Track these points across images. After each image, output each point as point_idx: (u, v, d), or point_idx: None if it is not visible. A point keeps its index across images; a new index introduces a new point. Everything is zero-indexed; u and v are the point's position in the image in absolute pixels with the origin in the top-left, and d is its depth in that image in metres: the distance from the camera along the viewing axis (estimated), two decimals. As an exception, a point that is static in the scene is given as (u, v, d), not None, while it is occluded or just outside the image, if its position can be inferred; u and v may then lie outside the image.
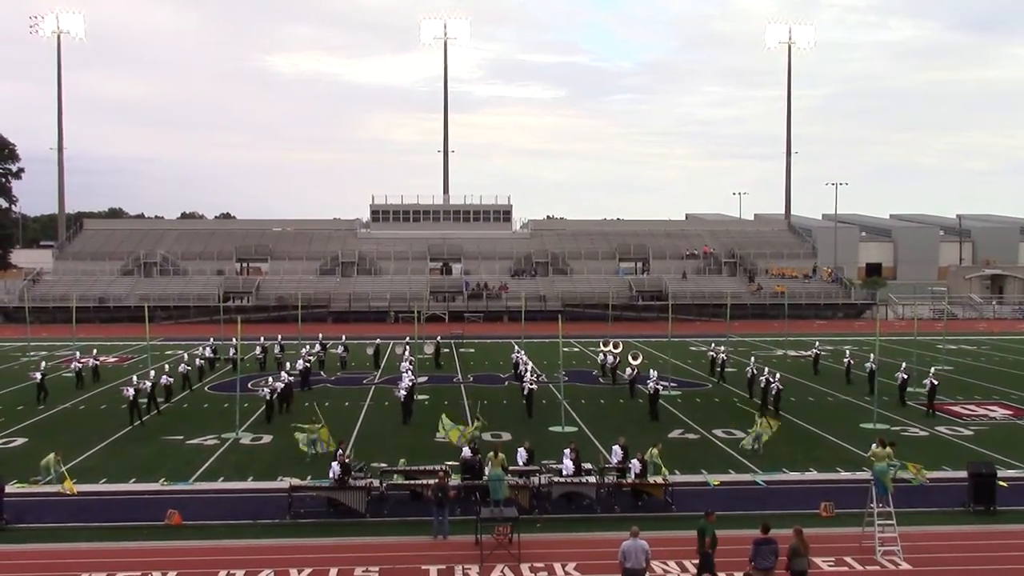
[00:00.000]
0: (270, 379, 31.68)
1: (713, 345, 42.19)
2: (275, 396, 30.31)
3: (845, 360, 39.14)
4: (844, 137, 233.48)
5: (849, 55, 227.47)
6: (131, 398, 29.00)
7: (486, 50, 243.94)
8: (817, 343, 44.33)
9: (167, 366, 36.88)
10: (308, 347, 41.57)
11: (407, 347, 42.18)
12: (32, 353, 49.41)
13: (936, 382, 31.08)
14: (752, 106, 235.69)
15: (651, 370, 32.63)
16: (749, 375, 34.52)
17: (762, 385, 31.64)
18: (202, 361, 39.52)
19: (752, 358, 36.49)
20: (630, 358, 36.80)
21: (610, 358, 39.58)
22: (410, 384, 30.98)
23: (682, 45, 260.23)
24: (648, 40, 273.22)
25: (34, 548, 17.39)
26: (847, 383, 37.56)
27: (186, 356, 38.81)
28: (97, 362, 39.05)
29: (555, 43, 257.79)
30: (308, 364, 38.14)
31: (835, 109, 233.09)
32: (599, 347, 42.21)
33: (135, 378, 30.47)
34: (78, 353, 39.03)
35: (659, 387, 30.58)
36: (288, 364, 35.68)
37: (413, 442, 26.35)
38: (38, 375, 33.98)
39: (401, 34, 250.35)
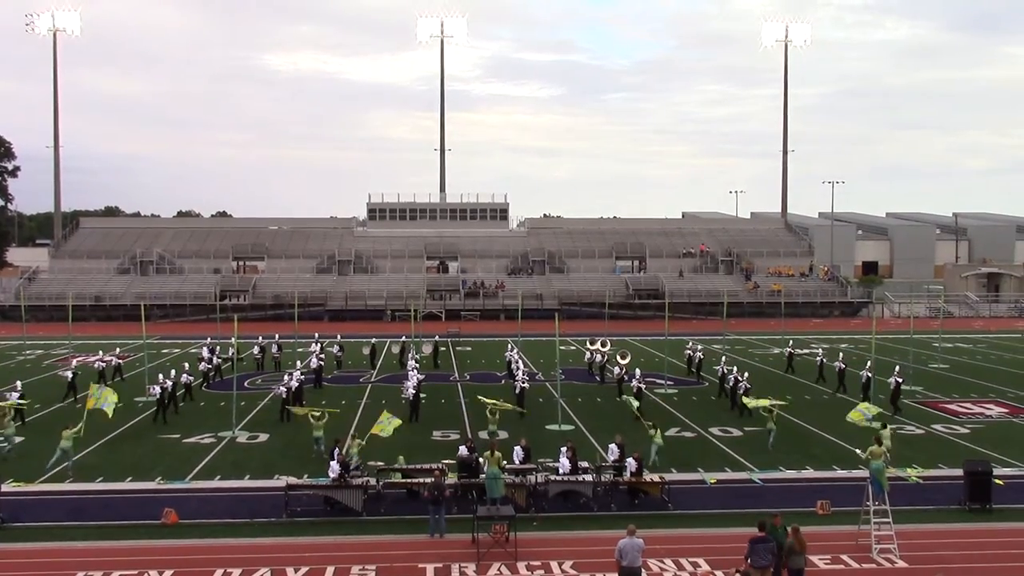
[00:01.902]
0: (285, 377, 31.67)
1: (690, 344, 42.35)
2: (290, 394, 30.37)
3: (817, 358, 39.18)
4: (841, 136, 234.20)
5: (846, 54, 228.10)
6: (158, 396, 29.23)
7: (483, 49, 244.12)
8: (791, 342, 44.16)
9: (187, 364, 36.93)
10: (319, 346, 41.48)
11: (411, 346, 42.11)
12: (28, 352, 49.38)
13: (900, 380, 30.92)
14: (749, 105, 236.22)
15: (635, 369, 32.67)
16: (720, 374, 34.70)
17: (730, 384, 31.83)
18: (219, 360, 39.51)
19: (723, 358, 36.60)
20: (618, 357, 36.87)
21: (598, 357, 39.65)
22: (418, 383, 31.02)
23: (679, 43, 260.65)
24: (645, 38, 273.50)
25: (30, 547, 17.36)
26: (816, 381, 37.64)
27: (205, 353, 38.79)
28: (121, 361, 38.92)
29: (552, 42, 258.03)
30: (322, 363, 38.35)
31: (832, 108, 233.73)
32: (586, 345, 42.21)
33: (161, 376, 30.71)
34: (101, 352, 38.88)
35: (642, 386, 30.62)
36: (299, 363, 35.86)
37: (411, 441, 26.29)
38: (69, 373, 33.92)
39: (398, 33, 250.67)
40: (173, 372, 32.16)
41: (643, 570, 14.86)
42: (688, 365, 40.44)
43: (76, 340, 53.16)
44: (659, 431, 23.61)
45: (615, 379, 35.38)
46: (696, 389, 36.47)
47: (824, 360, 38.63)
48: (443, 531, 17.89)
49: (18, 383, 30.77)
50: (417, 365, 36.13)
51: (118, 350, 40.37)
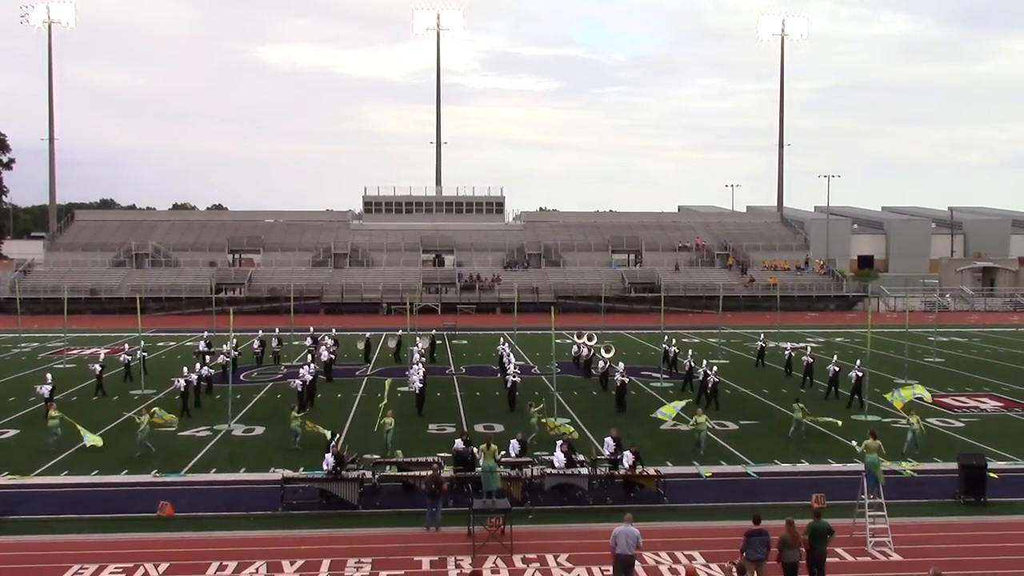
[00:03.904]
0: (300, 371, 31.72)
1: (667, 338, 42.37)
2: (305, 387, 30.41)
3: (785, 353, 39.36)
4: (837, 130, 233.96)
5: (842, 48, 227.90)
6: (182, 389, 29.43)
7: (480, 42, 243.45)
8: (763, 335, 44.15)
9: (207, 357, 36.89)
10: (329, 340, 41.29)
11: (416, 339, 42.04)
12: (24, 344, 49.30)
13: (861, 374, 30.99)
14: (745, 99, 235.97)
15: (619, 363, 32.78)
16: (687, 367, 34.93)
17: (700, 378, 31.99)
18: (236, 352, 39.40)
19: (690, 352, 36.73)
20: (603, 351, 36.97)
21: (584, 350, 39.72)
22: (423, 376, 31.07)
23: (676, 38, 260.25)
24: (642, 33, 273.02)
25: (26, 540, 17.35)
26: (787, 375, 37.74)
27: (225, 347, 38.78)
28: (145, 354, 38.79)
29: (549, 36, 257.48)
30: (333, 356, 38.27)
31: (828, 102, 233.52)
32: (573, 339, 42.18)
33: (185, 369, 30.96)
34: (127, 346, 38.65)
35: (625, 379, 30.75)
36: (310, 356, 35.89)
37: (407, 434, 26.30)
38: (97, 367, 33.89)
39: (394, 26, 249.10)
40: (197, 365, 32.35)
41: (637, 561, 14.88)
42: (664, 359, 40.45)
43: (71, 333, 53.12)
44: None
45: (599, 372, 35.42)
46: (691, 383, 36.42)
47: (792, 354, 38.83)
48: (439, 524, 17.91)
49: (48, 376, 30.59)
50: (422, 358, 36.20)
51: (142, 343, 40.26)
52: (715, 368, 31.73)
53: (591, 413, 29.78)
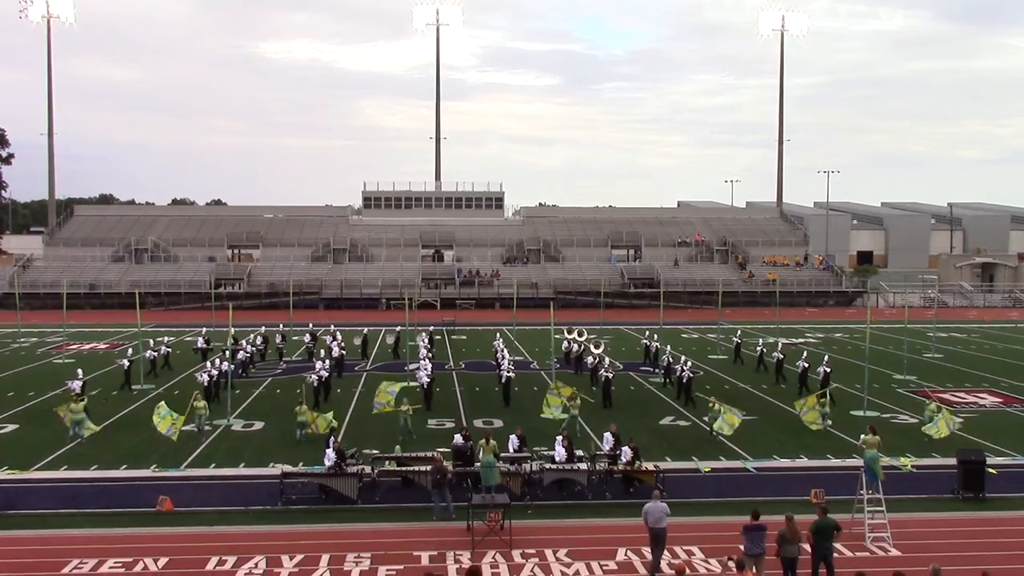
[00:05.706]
0: (316, 365, 32.00)
1: (648, 333, 42.38)
2: (321, 383, 30.56)
3: (758, 349, 39.38)
4: (836, 125, 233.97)
5: (841, 44, 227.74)
6: (205, 383, 29.71)
7: (479, 38, 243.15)
8: (739, 332, 43.97)
9: (227, 352, 37.02)
10: (337, 336, 41.21)
11: (423, 335, 42.01)
12: (23, 340, 49.28)
13: (829, 369, 31.10)
14: (744, 94, 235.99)
15: (606, 358, 32.75)
16: (665, 363, 35.10)
17: (677, 373, 32.14)
18: (252, 348, 39.48)
19: (668, 347, 36.87)
20: (591, 346, 36.99)
21: (574, 346, 39.73)
22: (431, 370, 31.11)
23: (675, 33, 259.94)
24: (641, 28, 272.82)
25: (26, 534, 17.35)
26: (756, 371, 37.88)
27: (244, 344, 38.77)
28: (168, 350, 38.82)
29: (548, 31, 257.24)
30: (344, 352, 38.22)
31: (827, 98, 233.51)
32: (564, 334, 42.17)
33: (208, 364, 31.28)
34: (151, 341, 38.70)
35: (609, 375, 30.83)
36: (322, 352, 36.07)
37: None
38: (125, 361, 34.00)
39: (394, 21, 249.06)
40: (217, 361, 32.57)
41: (636, 556, 14.94)
42: (645, 355, 40.42)
43: (70, 328, 53.10)
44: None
45: (589, 368, 35.48)
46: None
47: (764, 351, 38.91)
48: (438, 515, 17.96)
49: (79, 371, 30.57)
50: (429, 354, 36.20)
51: (166, 339, 40.30)
52: (690, 363, 31.90)
53: (589, 409, 29.72)
